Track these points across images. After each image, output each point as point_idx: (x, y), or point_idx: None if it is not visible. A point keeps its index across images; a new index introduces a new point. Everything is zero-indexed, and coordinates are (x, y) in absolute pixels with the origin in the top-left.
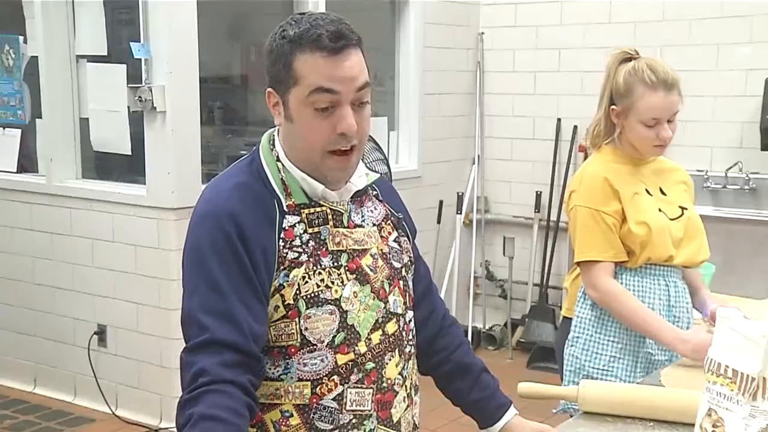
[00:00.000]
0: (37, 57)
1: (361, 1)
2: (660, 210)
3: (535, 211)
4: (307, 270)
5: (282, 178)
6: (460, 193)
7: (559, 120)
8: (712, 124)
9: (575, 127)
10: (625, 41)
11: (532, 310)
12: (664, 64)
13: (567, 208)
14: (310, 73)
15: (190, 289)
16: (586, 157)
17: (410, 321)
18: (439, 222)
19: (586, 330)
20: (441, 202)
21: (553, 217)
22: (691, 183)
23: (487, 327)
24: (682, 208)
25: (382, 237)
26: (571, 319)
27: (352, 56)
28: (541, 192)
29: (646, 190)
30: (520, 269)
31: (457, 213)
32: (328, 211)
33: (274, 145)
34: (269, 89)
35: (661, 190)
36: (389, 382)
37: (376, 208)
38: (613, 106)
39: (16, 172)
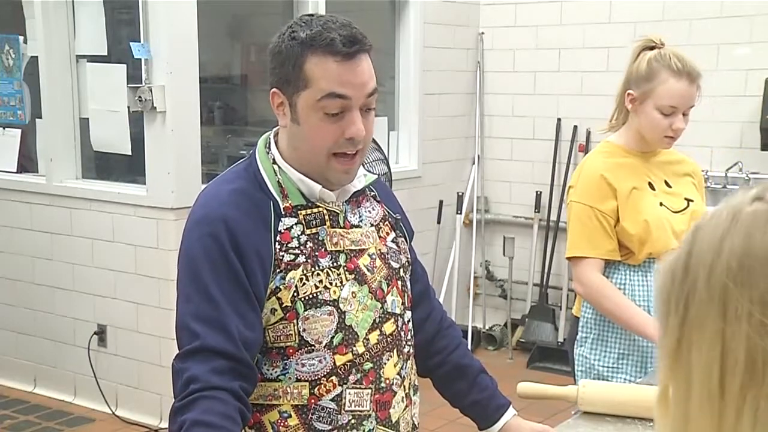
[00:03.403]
0: (37, 57)
1: (361, 1)
2: (662, 204)
3: (535, 211)
4: (305, 271)
5: (279, 181)
6: (460, 193)
7: (559, 120)
8: (712, 124)
9: (575, 127)
10: (625, 41)
11: (532, 310)
12: (689, 56)
13: (566, 202)
14: (321, 77)
15: (183, 296)
16: None
17: (409, 321)
18: (439, 222)
19: (592, 330)
20: (441, 202)
21: (553, 217)
22: (699, 174)
23: (487, 327)
24: (688, 200)
25: (380, 237)
26: (579, 318)
27: (363, 62)
28: (541, 192)
29: (650, 184)
30: (520, 269)
31: (457, 213)
32: (325, 211)
33: (270, 148)
34: (275, 90)
35: (666, 183)
36: (388, 382)
37: (374, 209)
38: (629, 91)
39: (16, 172)
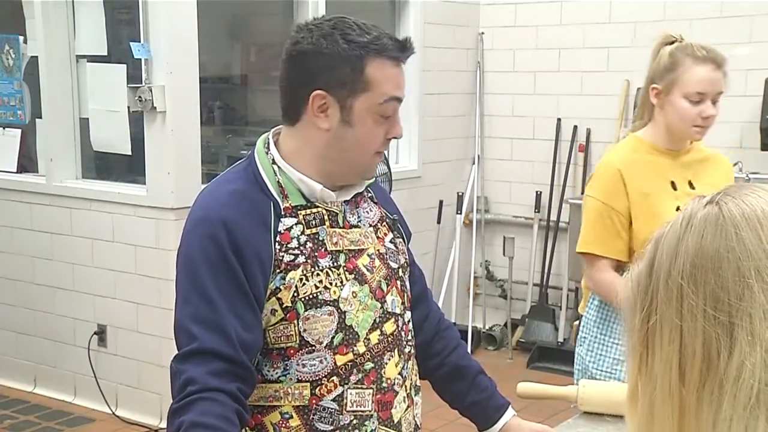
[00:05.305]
0: (37, 57)
1: (361, 1)
2: (678, 208)
3: (535, 211)
4: (305, 272)
5: (278, 181)
6: (460, 193)
7: (559, 120)
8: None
9: (575, 127)
10: (625, 41)
11: (532, 310)
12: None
13: (585, 195)
14: (384, 81)
15: (182, 297)
16: (586, 157)
17: (409, 321)
18: (439, 222)
19: (591, 331)
20: (441, 202)
21: (553, 217)
22: (730, 171)
23: (487, 327)
24: None
25: (378, 237)
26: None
27: None
28: (541, 192)
29: (672, 183)
30: (520, 269)
31: (457, 213)
32: (324, 211)
33: (269, 148)
34: (319, 92)
35: (690, 184)
36: (389, 382)
37: (371, 210)
38: (653, 85)
39: (16, 172)
